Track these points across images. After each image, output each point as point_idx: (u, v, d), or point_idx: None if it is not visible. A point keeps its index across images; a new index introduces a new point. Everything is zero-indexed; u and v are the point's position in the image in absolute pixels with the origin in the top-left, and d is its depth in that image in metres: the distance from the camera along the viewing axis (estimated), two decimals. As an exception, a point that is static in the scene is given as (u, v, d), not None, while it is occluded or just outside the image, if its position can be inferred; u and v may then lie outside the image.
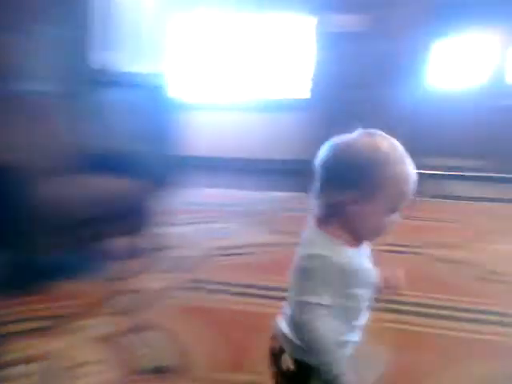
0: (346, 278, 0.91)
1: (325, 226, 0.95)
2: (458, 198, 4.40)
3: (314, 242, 0.94)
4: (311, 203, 0.98)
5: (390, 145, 0.92)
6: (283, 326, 1.01)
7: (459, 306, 2.05)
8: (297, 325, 0.94)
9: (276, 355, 1.01)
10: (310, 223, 0.99)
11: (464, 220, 3.56)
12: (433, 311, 1.99)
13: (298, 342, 0.95)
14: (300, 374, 0.96)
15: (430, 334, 1.81)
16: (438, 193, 4.42)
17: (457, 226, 3.37)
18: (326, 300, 0.90)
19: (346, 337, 0.97)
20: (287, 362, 0.97)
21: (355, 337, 1.00)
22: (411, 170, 0.92)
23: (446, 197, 4.43)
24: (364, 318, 1.00)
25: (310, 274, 0.91)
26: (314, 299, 0.90)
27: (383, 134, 0.95)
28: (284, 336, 0.99)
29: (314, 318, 0.90)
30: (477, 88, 5.85)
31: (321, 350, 0.90)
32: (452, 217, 3.65)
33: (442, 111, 5.65)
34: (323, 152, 0.95)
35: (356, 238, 0.95)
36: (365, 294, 0.96)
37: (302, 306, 0.92)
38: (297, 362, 0.96)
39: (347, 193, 0.90)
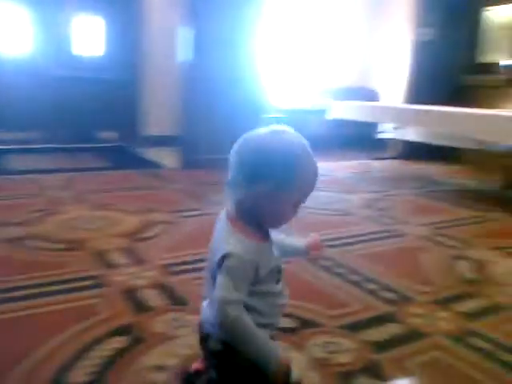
0: (259, 274, 0.98)
1: (235, 221, 1.01)
2: (23, 172, 4.28)
3: (228, 239, 0.98)
4: (225, 196, 1.02)
5: (300, 143, 0.99)
6: (207, 311, 1.06)
7: (33, 282, 2.00)
8: (221, 323, 0.96)
9: (204, 338, 1.08)
10: (222, 216, 1.05)
11: (34, 193, 3.50)
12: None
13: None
14: (227, 352, 1.01)
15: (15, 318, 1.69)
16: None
17: (25, 201, 3.27)
18: (240, 296, 0.96)
19: (268, 321, 1.05)
20: (213, 344, 1.04)
21: (277, 320, 1.11)
22: (317, 166, 1.01)
23: (10, 172, 4.24)
24: (283, 300, 1.10)
25: (228, 271, 0.95)
26: (230, 297, 0.94)
27: (294, 131, 1.00)
28: (209, 321, 1.04)
29: (236, 314, 0.94)
30: (37, 57, 5.77)
31: (250, 344, 0.96)
32: (18, 192, 3.52)
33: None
34: (236, 147, 0.99)
35: (264, 230, 1.03)
36: (275, 285, 1.05)
37: (220, 306, 0.95)
38: (223, 342, 1.01)
39: (258, 187, 0.95)
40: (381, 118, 4.95)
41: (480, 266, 2.47)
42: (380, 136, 5.41)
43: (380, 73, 7.41)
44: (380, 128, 5.29)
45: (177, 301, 1.91)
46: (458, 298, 2.07)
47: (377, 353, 1.59)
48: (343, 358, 1.55)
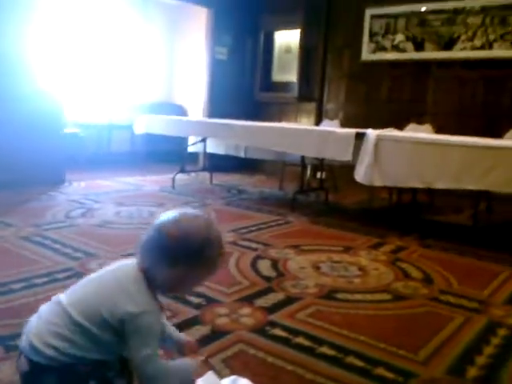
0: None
1: (144, 277, 1.05)
2: None
3: (136, 296, 1.02)
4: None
5: (213, 229, 1.11)
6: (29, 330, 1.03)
7: None
8: (144, 380, 1.01)
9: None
10: (129, 264, 1.09)
11: None
12: None
13: (36, 345, 0.98)
14: (33, 373, 0.99)
15: None
16: None
17: None
18: (155, 350, 1.02)
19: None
20: (23, 363, 1.01)
21: None
22: (224, 249, 1.11)
23: None
24: None
25: (142, 329, 1.00)
26: (148, 351, 1.00)
27: (208, 216, 1.13)
28: (26, 338, 1.02)
29: (154, 367, 1.00)
30: None
31: (173, 378, 1.05)
32: None
33: None
34: (157, 224, 1.07)
35: (159, 293, 1.10)
36: None
37: (142, 363, 1.00)
38: (31, 362, 0.99)
39: (173, 268, 1.04)
40: (187, 132, 5.10)
41: (278, 263, 2.71)
42: (190, 149, 5.55)
43: (184, 89, 7.65)
44: (189, 142, 5.43)
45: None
46: (259, 294, 2.24)
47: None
48: (150, 367, 1.54)
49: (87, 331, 1.01)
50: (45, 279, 2.26)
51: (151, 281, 1.07)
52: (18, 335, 1.69)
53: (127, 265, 1.10)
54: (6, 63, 4.35)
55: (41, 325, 1.03)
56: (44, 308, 1.08)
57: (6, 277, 2.27)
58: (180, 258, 1.04)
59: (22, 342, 1.04)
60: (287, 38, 6.66)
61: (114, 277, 1.07)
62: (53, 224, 3.31)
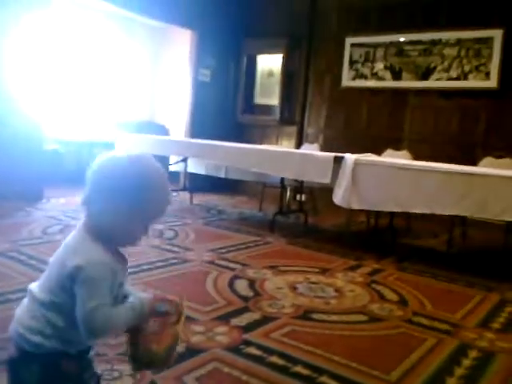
0: (113, 277, 0.99)
1: (90, 233, 1.02)
2: None
3: (79, 249, 0.99)
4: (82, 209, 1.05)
5: (155, 169, 1.04)
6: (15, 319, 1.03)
7: None
8: (95, 334, 0.97)
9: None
10: (79, 226, 1.05)
11: None
12: None
13: (20, 331, 0.99)
14: (19, 360, 1.00)
15: None
16: None
17: None
18: (106, 299, 0.97)
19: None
20: (11, 351, 1.02)
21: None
22: (169, 192, 1.06)
23: None
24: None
25: (88, 280, 0.96)
26: (96, 303, 0.95)
27: (151, 159, 1.06)
28: (13, 326, 1.02)
29: (103, 318, 0.96)
30: None
31: (123, 324, 1.01)
32: None
33: None
34: (95, 166, 1.02)
35: (113, 245, 1.03)
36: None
37: (92, 315, 0.95)
38: (18, 349, 1.00)
39: (112, 205, 0.99)
40: (168, 151, 5.12)
41: (255, 283, 2.73)
42: (171, 169, 5.56)
43: (166, 109, 7.70)
44: (171, 161, 5.45)
45: None
46: (236, 313, 2.25)
47: (153, 373, 1.62)
48: (123, 382, 1.54)
49: (52, 304, 0.99)
50: (19, 294, 2.22)
51: (99, 234, 1.02)
52: (-10, 349, 1.67)
53: (75, 231, 1.07)
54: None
55: (22, 312, 1.03)
56: (24, 299, 1.08)
57: (-22, 292, 2.24)
58: (116, 193, 0.99)
59: (11, 332, 1.04)
60: (270, 62, 6.78)
61: (63, 245, 1.05)
62: (29, 240, 3.27)
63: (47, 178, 4.97)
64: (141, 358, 1.06)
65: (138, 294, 1.12)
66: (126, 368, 1.64)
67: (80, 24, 6.68)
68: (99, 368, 1.56)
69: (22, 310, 1.03)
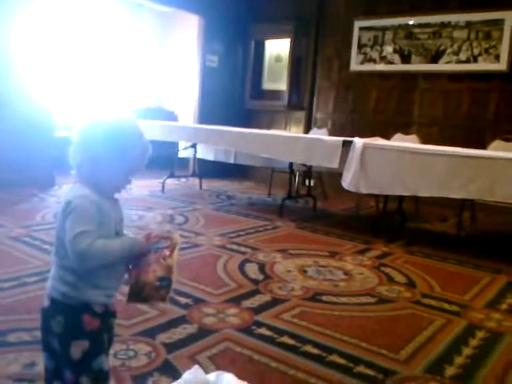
0: (99, 212, 1.06)
1: (80, 182, 1.10)
2: None
3: (69, 192, 1.08)
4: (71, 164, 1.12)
5: (131, 125, 1.13)
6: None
7: None
8: (81, 259, 1.02)
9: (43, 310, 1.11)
10: (73, 182, 1.12)
11: None
12: None
13: (51, 282, 1.10)
14: (50, 309, 1.08)
15: None
16: None
17: None
18: (91, 227, 1.03)
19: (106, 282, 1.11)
20: (45, 301, 1.10)
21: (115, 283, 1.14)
22: (144, 144, 1.13)
23: None
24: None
25: (73, 210, 1.03)
26: (81, 229, 1.02)
27: (131, 118, 1.15)
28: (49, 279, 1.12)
29: (88, 242, 1.01)
30: None
31: (110, 254, 1.07)
32: None
33: None
34: (80, 125, 1.12)
35: (100, 192, 1.09)
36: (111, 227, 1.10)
37: (76, 240, 1.01)
38: (51, 298, 1.09)
39: (92, 154, 1.08)
40: (177, 137, 5.14)
41: (265, 266, 2.77)
42: (180, 155, 5.59)
43: (175, 95, 7.71)
44: (180, 147, 5.47)
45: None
46: (246, 295, 2.29)
47: (170, 352, 1.67)
48: (138, 363, 1.58)
49: (66, 254, 1.06)
50: (35, 278, 2.29)
51: (86, 182, 1.10)
52: (10, 331, 1.74)
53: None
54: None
55: (53, 268, 1.12)
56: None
57: (-4, 276, 2.30)
58: (95, 147, 1.07)
59: (47, 285, 1.13)
60: (277, 47, 6.75)
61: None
62: (42, 225, 3.33)
63: (58, 165, 5.02)
64: (132, 289, 1.12)
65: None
66: (141, 347, 1.70)
67: (88, 10, 6.68)
68: (114, 348, 1.62)
69: (53, 266, 1.13)
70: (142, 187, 5.26)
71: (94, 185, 1.09)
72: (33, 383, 1.44)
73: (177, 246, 1.15)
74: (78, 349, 1.06)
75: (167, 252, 1.13)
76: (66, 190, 1.12)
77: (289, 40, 6.42)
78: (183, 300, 2.16)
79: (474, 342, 1.96)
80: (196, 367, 1.45)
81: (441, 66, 5.36)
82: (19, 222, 3.33)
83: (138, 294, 1.12)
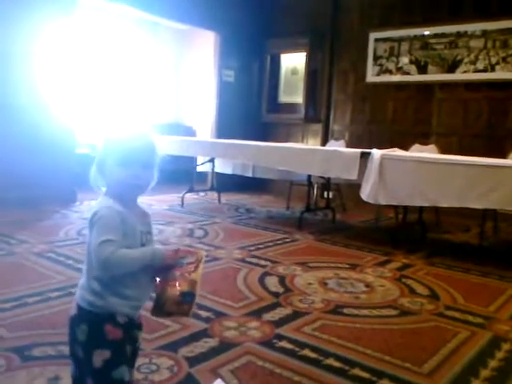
0: (124, 223, 1.09)
1: (105, 194, 1.14)
2: None
3: (99, 202, 1.13)
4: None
5: (146, 136, 1.18)
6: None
7: None
8: (104, 267, 1.06)
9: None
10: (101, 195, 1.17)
11: None
12: None
13: (79, 291, 1.12)
14: (76, 317, 1.11)
15: None
16: None
17: None
18: (115, 237, 1.06)
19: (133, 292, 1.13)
20: (73, 308, 1.13)
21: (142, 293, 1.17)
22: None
23: None
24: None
25: (99, 220, 1.08)
26: (105, 237, 1.05)
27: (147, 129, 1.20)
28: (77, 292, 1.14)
29: (111, 250, 1.04)
30: None
31: (131, 263, 1.08)
32: None
33: None
34: (100, 140, 1.18)
35: (124, 201, 1.13)
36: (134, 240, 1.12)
37: (100, 248, 1.04)
38: (78, 306, 1.11)
39: (96, 163, 1.15)
40: (195, 152, 5.20)
41: (285, 279, 2.76)
42: (198, 169, 5.65)
43: (192, 110, 7.80)
44: (198, 161, 5.53)
45: (-22, 346, 1.74)
46: (267, 308, 2.29)
47: (192, 366, 1.68)
48: (160, 377, 1.59)
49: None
50: (58, 293, 2.32)
51: (109, 193, 1.14)
52: (35, 346, 1.76)
53: None
54: (19, 88, 4.50)
55: (83, 276, 1.15)
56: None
57: (21, 291, 2.34)
58: (108, 155, 1.13)
59: (75, 295, 1.16)
60: (293, 61, 6.80)
61: None
62: (65, 241, 3.39)
63: (80, 182, 5.11)
64: (156, 302, 1.13)
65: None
66: (164, 361, 1.71)
67: (105, 30, 6.83)
68: (137, 362, 1.63)
69: (83, 275, 1.16)
70: (161, 202, 5.31)
71: (112, 194, 1.14)
72: (58, 397, 1.46)
73: (202, 261, 1.17)
74: (99, 358, 1.08)
75: (192, 267, 1.14)
76: (92, 204, 1.16)
77: (304, 53, 6.46)
78: (204, 314, 2.17)
79: (499, 355, 1.92)
80: (219, 381, 1.46)
81: (458, 76, 5.34)
82: (43, 238, 3.40)
83: (161, 307, 1.13)
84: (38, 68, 4.68)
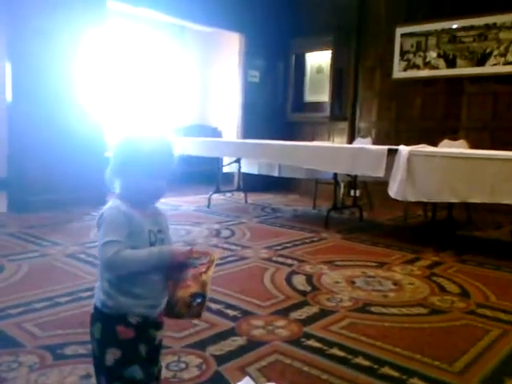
0: (129, 222, 1.10)
1: (116, 196, 1.16)
2: None
3: (108, 204, 1.14)
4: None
5: (160, 138, 1.18)
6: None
7: None
8: (108, 267, 1.08)
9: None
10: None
11: None
12: None
13: (96, 292, 1.14)
14: (93, 315, 1.14)
15: None
16: None
17: None
18: (119, 237, 1.07)
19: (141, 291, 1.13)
20: (92, 308, 1.15)
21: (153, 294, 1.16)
22: (161, 151, 1.15)
23: None
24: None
25: (104, 221, 1.10)
26: (109, 238, 1.06)
27: (156, 131, 1.19)
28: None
29: (115, 251, 1.05)
30: None
31: (137, 263, 1.08)
32: None
33: None
34: (114, 142, 1.18)
35: (135, 203, 1.14)
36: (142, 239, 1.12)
37: (104, 248, 1.06)
38: (94, 306, 1.14)
39: (113, 167, 1.15)
40: (221, 153, 5.23)
41: (312, 278, 2.75)
42: (224, 170, 5.68)
43: (218, 111, 7.84)
44: (224, 162, 5.56)
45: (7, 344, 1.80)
46: (294, 307, 2.28)
47: (220, 364, 1.69)
48: (189, 374, 1.61)
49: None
50: (89, 293, 2.37)
51: (120, 195, 1.15)
52: (66, 344, 1.80)
53: None
54: (53, 91, 4.61)
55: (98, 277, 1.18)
56: None
57: (53, 291, 2.40)
58: (112, 158, 1.15)
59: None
60: (318, 59, 6.76)
61: None
62: (96, 242, 3.44)
63: (109, 185, 5.20)
64: (168, 303, 1.13)
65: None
66: (192, 359, 1.72)
67: (133, 35, 6.94)
68: (166, 360, 1.65)
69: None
70: (188, 203, 5.36)
71: (127, 197, 1.14)
72: (89, 394, 1.49)
73: (214, 262, 1.16)
74: (111, 356, 1.10)
75: (203, 267, 1.14)
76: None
77: (329, 52, 6.42)
78: (231, 312, 2.18)
79: (534, 354, 1.87)
80: (247, 379, 1.46)
81: (488, 69, 5.21)
82: (74, 240, 3.47)
83: (172, 308, 1.13)
84: (75, 75, 4.80)
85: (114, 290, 1.11)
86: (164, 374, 1.55)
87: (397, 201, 3.57)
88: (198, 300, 1.11)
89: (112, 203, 1.14)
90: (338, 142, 6.36)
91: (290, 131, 6.80)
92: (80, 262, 2.94)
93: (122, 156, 1.14)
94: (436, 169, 3.31)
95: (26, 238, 3.52)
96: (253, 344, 1.87)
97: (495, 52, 5.14)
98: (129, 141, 1.16)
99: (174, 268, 1.12)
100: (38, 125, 4.50)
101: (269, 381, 1.60)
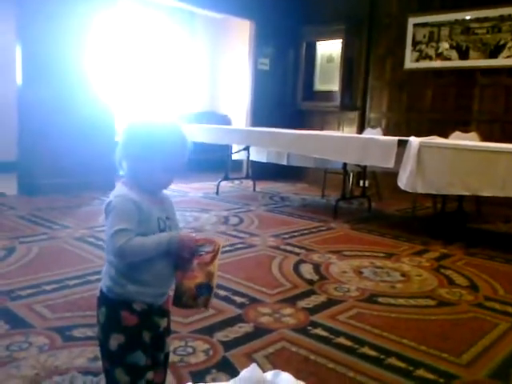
0: (138, 210, 1.09)
1: (123, 182, 1.16)
2: None
3: (115, 190, 1.14)
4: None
5: (171, 124, 1.18)
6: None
7: None
8: (120, 255, 1.08)
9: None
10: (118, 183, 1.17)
11: None
12: None
13: (102, 276, 1.16)
14: (99, 299, 1.15)
15: None
16: None
17: None
18: (129, 225, 1.07)
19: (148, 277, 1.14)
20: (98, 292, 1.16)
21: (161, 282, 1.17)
22: (180, 143, 1.16)
23: None
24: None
25: (113, 209, 1.09)
26: (119, 226, 1.06)
27: (169, 120, 1.19)
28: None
29: (125, 239, 1.05)
30: None
31: (148, 250, 1.08)
32: None
33: None
34: (123, 126, 1.18)
35: (142, 190, 1.14)
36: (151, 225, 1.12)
37: (115, 237, 1.06)
38: (100, 290, 1.15)
39: (129, 154, 1.13)
40: (230, 140, 5.21)
41: (320, 267, 2.75)
42: (233, 157, 5.67)
43: (227, 99, 7.81)
44: (233, 150, 5.55)
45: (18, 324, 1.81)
46: (301, 295, 2.29)
47: (227, 350, 1.70)
48: (196, 359, 1.62)
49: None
50: (98, 276, 2.38)
51: (127, 181, 1.15)
52: (75, 327, 1.82)
53: None
54: (63, 75, 4.61)
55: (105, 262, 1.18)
56: None
57: (62, 274, 2.42)
58: (128, 146, 1.13)
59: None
60: (329, 48, 6.70)
61: None
62: (104, 226, 3.47)
63: (117, 169, 5.22)
64: (175, 293, 1.13)
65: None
66: (199, 345, 1.73)
67: (143, 21, 6.90)
68: (173, 344, 1.66)
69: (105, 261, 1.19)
70: (197, 189, 5.37)
71: (135, 184, 1.14)
72: (97, 376, 1.50)
73: (219, 251, 1.15)
74: (115, 341, 1.10)
75: (209, 257, 1.13)
76: (115, 188, 1.17)
77: (340, 40, 6.36)
78: (239, 299, 2.19)
79: (542, 348, 1.86)
80: (253, 365, 1.46)
81: (501, 61, 5.14)
82: (83, 224, 3.49)
83: (180, 298, 1.13)
84: (84, 58, 4.80)
85: (121, 277, 1.11)
86: (171, 358, 1.57)
87: (406, 192, 3.54)
88: (205, 291, 1.12)
89: (120, 190, 1.13)
90: (348, 132, 6.32)
91: (299, 120, 6.76)
92: (89, 246, 2.96)
93: (141, 147, 1.12)
94: (447, 161, 3.28)
95: (36, 220, 3.55)
96: (260, 331, 1.88)
97: (509, 44, 5.07)
98: (150, 133, 1.14)
99: (183, 256, 1.12)
100: (48, 109, 4.51)
101: (275, 368, 1.60)
